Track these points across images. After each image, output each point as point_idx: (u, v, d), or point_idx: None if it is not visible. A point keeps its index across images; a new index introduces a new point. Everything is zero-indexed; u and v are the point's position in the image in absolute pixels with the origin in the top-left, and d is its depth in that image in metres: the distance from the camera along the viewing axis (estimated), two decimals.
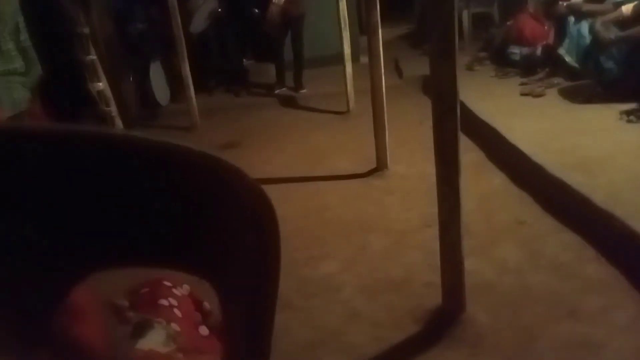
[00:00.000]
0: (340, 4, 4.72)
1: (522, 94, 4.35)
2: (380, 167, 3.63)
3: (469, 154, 3.71)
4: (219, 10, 5.97)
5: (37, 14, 4.25)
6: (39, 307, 0.31)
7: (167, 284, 1.20)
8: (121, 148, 0.29)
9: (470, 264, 2.13)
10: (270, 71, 6.46)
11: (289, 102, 5.85)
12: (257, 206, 0.32)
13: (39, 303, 0.31)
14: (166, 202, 0.31)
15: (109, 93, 3.59)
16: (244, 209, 0.32)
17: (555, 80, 4.41)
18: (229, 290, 0.37)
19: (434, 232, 2.12)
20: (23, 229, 0.28)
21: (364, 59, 5.42)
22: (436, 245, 2.05)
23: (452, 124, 1.82)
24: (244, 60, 6.78)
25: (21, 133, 0.27)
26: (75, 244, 0.31)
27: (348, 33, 4.88)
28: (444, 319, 2.07)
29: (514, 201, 2.96)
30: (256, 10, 5.71)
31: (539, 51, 4.78)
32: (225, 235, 0.34)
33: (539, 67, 4.67)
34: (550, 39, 4.67)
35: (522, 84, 4.58)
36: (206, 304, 1.27)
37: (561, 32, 4.38)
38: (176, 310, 1.12)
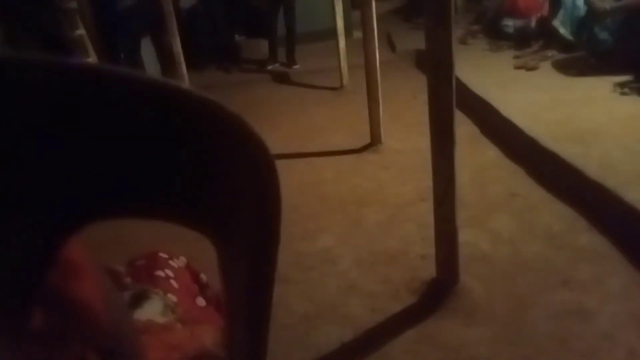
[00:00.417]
0: None
1: (516, 67, 4.33)
2: (374, 141, 3.62)
3: (462, 127, 3.69)
4: None
5: None
6: (30, 261, 0.30)
7: (164, 255, 1.20)
8: (116, 83, 0.27)
9: (464, 236, 2.15)
10: (261, 47, 6.37)
11: (281, 79, 5.79)
12: (257, 155, 0.31)
13: (29, 256, 0.30)
14: (163, 146, 0.30)
15: None
16: (245, 158, 0.31)
17: (549, 52, 4.38)
18: (229, 246, 0.36)
19: (428, 206, 2.14)
20: (8, 171, 0.27)
21: (357, 34, 5.36)
22: (431, 218, 2.06)
23: (448, 94, 1.81)
24: (235, 36, 6.68)
25: (10, 62, 0.25)
26: (66, 188, 0.29)
27: (341, 7, 4.80)
28: (439, 290, 2.10)
29: (507, 174, 2.97)
30: None
31: (533, 23, 4.73)
32: (225, 185, 0.33)
33: (533, 40, 4.63)
34: (545, 11, 4.62)
35: (516, 57, 4.56)
36: (203, 276, 1.28)
37: (556, 3, 4.34)
38: (173, 282, 1.12)
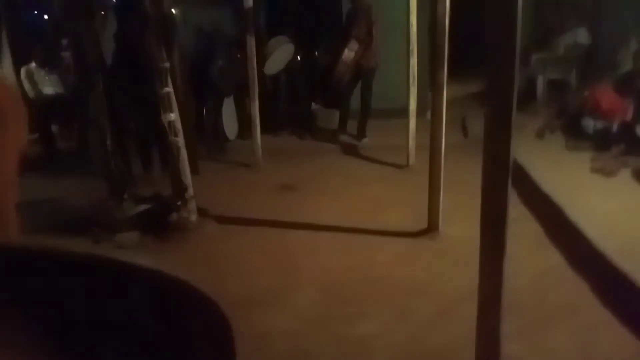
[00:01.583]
0: (411, 59, 4.78)
1: (592, 171, 4.12)
2: (431, 228, 3.54)
3: (527, 224, 3.56)
4: (297, 57, 6.21)
5: (126, 47, 4.63)
6: None
7: None
8: (87, 267, 0.31)
9: (511, 349, 2.00)
10: (337, 117, 6.58)
11: (350, 150, 5.90)
12: (217, 329, 0.34)
13: None
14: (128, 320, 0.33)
15: (179, 124, 3.79)
16: (204, 332, 0.34)
17: (631, 159, 4.15)
18: None
19: None
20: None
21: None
22: None
23: (502, 198, 1.74)
24: (313, 104, 6.95)
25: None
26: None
27: (415, 89, 4.90)
28: None
29: (569, 285, 2.77)
30: (316, 53, 5.88)
31: (615, 126, 4.55)
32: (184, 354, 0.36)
33: (614, 144, 4.43)
34: (629, 115, 4.44)
35: (594, 159, 4.35)
36: None
37: None
38: None
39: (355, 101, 6.14)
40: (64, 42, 6.04)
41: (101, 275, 0.32)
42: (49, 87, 6.23)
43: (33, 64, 6.28)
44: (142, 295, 0.33)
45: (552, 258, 3.08)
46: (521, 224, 3.61)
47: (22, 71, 6.38)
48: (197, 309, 0.34)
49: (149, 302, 0.33)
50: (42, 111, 6.29)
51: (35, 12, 8.86)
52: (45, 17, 8.61)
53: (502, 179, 1.72)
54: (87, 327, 0.34)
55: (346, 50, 5.66)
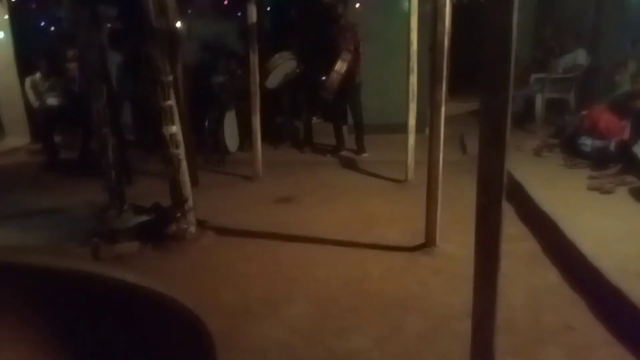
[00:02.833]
0: (411, 77, 4.83)
1: (590, 188, 4.15)
2: (428, 243, 3.54)
3: (524, 243, 3.57)
4: (297, 70, 6.28)
5: (129, 61, 4.69)
6: None
7: None
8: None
9: None
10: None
11: (349, 164, 5.93)
12: (199, 344, 0.36)
13: None
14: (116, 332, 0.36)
15: (180, 137, 3.82)
16: (186, 347, 0.36)
17: (628, 178, 4.18)
18: None
19: None
20: None
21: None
22: None
23: (496, 216, 1.77)
24: (313, 118, 7.01)
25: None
26: None
27: (415, 105, 4.95)
28: None
29: (565, 303, 2.77)
30: (323, 78, 5.98)
31: (612, 145, 4.58)
32: None
33: (611, 162, 4.46)
34: (626, 135, 4.48)
35: (591, 177, 4.38)
36: None
37: (638, 128, 4.20)
38: None
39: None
40: (70, 53, 6.12)
41: (85, 291, 0.35)
42: (53, 97, 6.30)
43: (38, 75, 6.36)
44: (126, 310, 0.35)
45: (549, 275, 3.08)
46: (518, 241, 3.62)
47: (27, 82, 6.45)
48: (180, 324, 0.36)
49: (132, 317, 0.36)
50: (45, 121, 6.36)
51: (42, 23, 8.99)
52: (52, 28, 8.73)
53: (496, 198, 1.74)
54: (70, 341, 0.36)
55: (339, 61, 5.73)
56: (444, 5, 3.28)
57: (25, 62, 7.16)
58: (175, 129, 3.78)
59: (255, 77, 5.26)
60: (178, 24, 4.46)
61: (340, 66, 5.73)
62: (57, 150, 6.41)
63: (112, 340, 0.36)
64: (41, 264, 0.33)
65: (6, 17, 7.30)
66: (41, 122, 6.46)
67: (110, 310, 0.35)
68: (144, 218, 3.89)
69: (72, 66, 6.19)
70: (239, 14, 6.27)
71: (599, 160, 4.61)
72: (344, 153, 6.25)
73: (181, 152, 3.83)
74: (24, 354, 0.34)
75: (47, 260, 0.34)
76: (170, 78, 3.75)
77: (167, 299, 0.36)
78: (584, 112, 5.30)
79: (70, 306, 0.34)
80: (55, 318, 0.34)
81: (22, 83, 6.86)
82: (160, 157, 4.77)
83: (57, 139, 6.60)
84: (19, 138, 7.64)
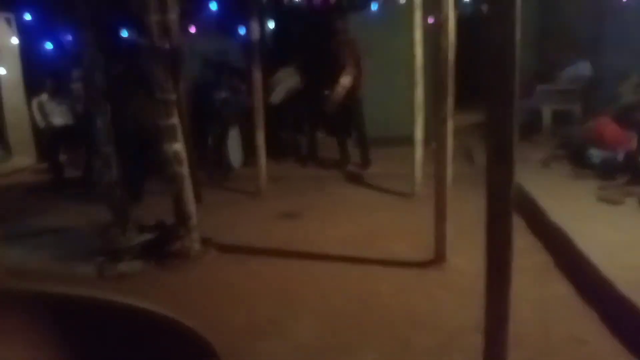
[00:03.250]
0: (417, 90, 4.82)
1: (599, 199, 4.09)
2: (437, 258, 3.48)
3: (535, 255, 3.51)
4: (301, 86, 6.30)
5: (132, 79, 4.72)
6: None
7: None
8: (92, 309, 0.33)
9: None
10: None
11: (354, 179, 5.91)
12: None
13: None
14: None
15: (184, 154, 3.82)
16: None
17: (636, 189, 4.12)
18: None
19: None
20: None
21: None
22: None
23: (506, 229, 1.74)
24: (317, 133, 7.01)
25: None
26: None
27: (421, 119, 4.93)
28: None
29: (576, 315, 2.71)
30: (326, 92, 5.99)
31: (620, 156, 4.53)
32: None
33: (619, 173, 4.41)
34: (633, 145, 4.44)
35: (600, 188, 4.33)
36: None
37: None
38: None
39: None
40: (75, 74, 6.18)
41: (93, 315, 0.34)
42: (59, 117, 6.36)
43: (44, 96, 6.41)
44: (133, 334, 0.34)
45: (560, 287, 3.03)
46: (529, 254, 3.57)
47: (34, 103, 6.51)
48: (187, 346, 0.35)
49: (140, 340, 0.35)
50: (51, 141, 6.40)
51: (51, 46, 9.09)
52: (59, 50, 8.83)
53: (505, 211, 1.72)
54: None
55: (345, 75, 5.75)
56: (448, 19, 3.29)
57: (32, 83, 7.23)
58: (178, 146, 3.78)
59: (259, 93, 5.27)
60: (181, 42, 4.49)
61: (345, 80, 5.75)
62: (63, 170, 6.44)
63: None
64: (55, 292, 0.32)
65: (16, 41, 7.40)
66: (47, 142, 6.51)
67: (120, 334, 0.34)
68: (147, 236, 3.88)
69: (78, 86, 6.24)
70: (242, 30, 6.31)
71: (606, 171, 4.56)
72: (349, 167, 6.23)
73: (185, 170, 3.82)
74: None
75: (59, 287, 0.33)
76: (174, 96, 3.76)
77: (173, 322, 0.35)
78: (589, 123, 5.27)
79: (81, 329, 0.33)
80: (68, 340, 0.33)
81: (29, 104, 6.93)
82: (161, 175, 4.78)
83: (63, 158, 6.63)
84: (25, 158, 7.70)
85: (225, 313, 2.96)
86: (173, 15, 4.07)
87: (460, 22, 5.65)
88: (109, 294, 0.37)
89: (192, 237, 3.80)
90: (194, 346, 0.35)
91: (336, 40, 5.94)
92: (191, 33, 6.34)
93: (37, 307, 0.30)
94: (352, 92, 5.89)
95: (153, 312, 0.33)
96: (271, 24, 7.33)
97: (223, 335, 2.58)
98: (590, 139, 5.00)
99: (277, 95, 6.25)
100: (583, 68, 6.65)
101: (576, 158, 5.14)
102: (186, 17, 5.40)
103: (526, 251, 3.39)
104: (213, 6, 5.87)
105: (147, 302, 0.36)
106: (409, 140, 5.06)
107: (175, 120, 3.74)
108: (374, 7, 6.67)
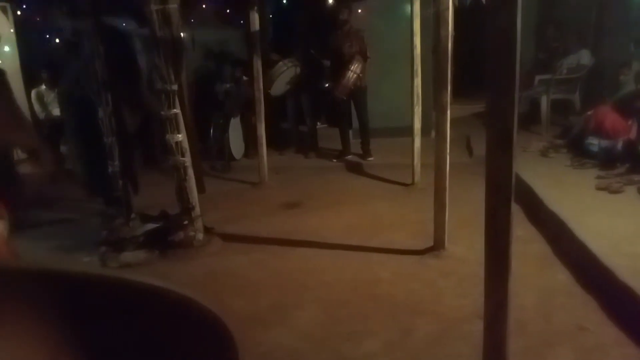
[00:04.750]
0: (415, 80, 4.83)
1: (598, 188, 4.12)
2: (437, 246, 3.53)
3: (534, 244, 3.55)
4: (302, 77, 6.30)
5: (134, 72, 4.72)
6: None
7: None
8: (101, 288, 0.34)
9: None
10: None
11: (355, 169, 5.93)
12: (222, 346, 0.37)
13: None
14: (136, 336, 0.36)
15: (186, 144, 3.83)
16: (210, 348, 0.37)
17: (636, 177, 4.15)
18: None
19: None
20: None
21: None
22: None
23: (506, 218, 1.76)
24: (318, 124, 7.02)
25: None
26: None
27: (420, 109, 4.95)
28: None
29: (577, 303, 2.74)
30: (326, 85, 6.00)
31: (619, 145, 4.55)
32: None
33: (619, 162, 4.43)
34: (633, 134, 4.45)
35: (599, 177, 4.35)
36: None
37: None
38: None
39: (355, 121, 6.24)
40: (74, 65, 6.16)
41: (110, 294, 0.35)
42: (58, 108, 6.36)
43: (43, 87, 6.41)
44: (150, 313, 0.35)
45: (560, 276, 3.06)
46: (528, 242, 3.60)
47: (33, 93, 6.51)
48: (203, 326, 0.36)
49: (157, 319, 0.36)
50: (51, 132, 6.41)
51: (47, 35, 9.07)
52: (57, 40, 8.80)
53: (505, 200, 1.73)
54: (96, 345, 0.36)
55: (355, 62, 5.75)
56: (446, 8, 3.29)
57: (30, 74, 7.22)
58: (181, 136, 3.79)
59: (260, 84, 5.28)
60: (182, 33, 4.48)
61: (356, 66, 5.76)
62: (63, 161, 6.45)
63: (133, 343, 0.36)
64: (66, 270, 0.33)
65: (12, 30, 7.36)
66: (47, 132, 6.52)
67: (130, 313, 0.35)
68: (151, 226, 3.91)
69: (77, 76, 6.22)
70: (242, 21, 6.30)
71: (606, 160, 4.58)
72: (349, 157, 6.25)
73: (187, 159, 3.83)
74: (43, 354, 0.34)
75: (77, 267, 0.35)
76: (175, 87, 3.77)
77: (188, 301, 0.36)
78: (589, 112, 5.28)
79: (89, 309, 0.34)
80: (76, 320, 0.34)
81: (28, 95, 6.91)
82: (164, 166, 4.79)
83: (63, 149, 6.64)
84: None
85: (228, 302, 3.00)
86: (174, 5, 4.06)
87: (459, 14, 5.65)
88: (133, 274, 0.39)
89: (196, 227, 3.83)
90: (210, 327, 0.36)
91: (342, 31, 5.93)
92: (193, 24, 6.33)
93: (48, 286, 0.31)
94: (359, 80, 5.88)
95: (168, 290, 0.35)
96: (272, 15, 7.31)
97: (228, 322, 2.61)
98: (590, 128, 5.01)
99: (278, 87, 6.24)
100: (583, 57, 6.65)
101: (575, 147, 5.16)
102: (187, 7, 5.39)
103: (524, 239, 3.42)
104: None
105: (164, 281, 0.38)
106: (407, 131, 5.08)
107: (177, 110, 3.76)
108: None
